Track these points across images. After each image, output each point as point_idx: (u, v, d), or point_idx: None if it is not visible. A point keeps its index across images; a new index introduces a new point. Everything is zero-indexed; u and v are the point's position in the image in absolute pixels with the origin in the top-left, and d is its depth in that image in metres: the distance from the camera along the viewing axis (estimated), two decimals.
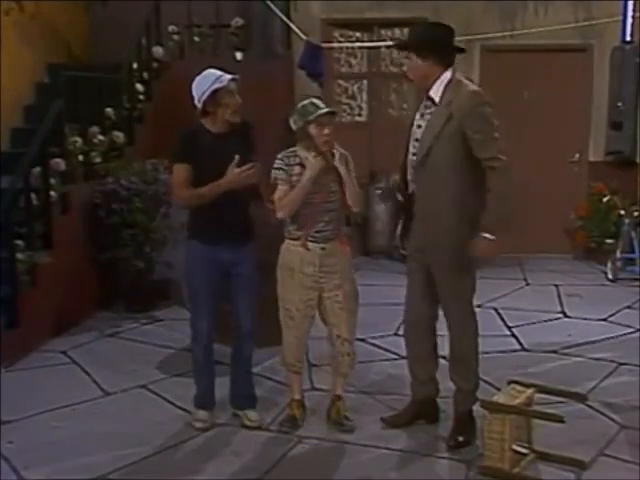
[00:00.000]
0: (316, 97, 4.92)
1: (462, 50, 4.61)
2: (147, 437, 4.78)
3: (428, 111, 4.53)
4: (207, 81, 4.59)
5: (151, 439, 4.74)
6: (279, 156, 4.75)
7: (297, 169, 4.68)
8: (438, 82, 4.46)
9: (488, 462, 4.31)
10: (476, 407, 4.65)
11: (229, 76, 4.62)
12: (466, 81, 4.56)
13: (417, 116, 4.60)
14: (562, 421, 4.23)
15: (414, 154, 4.54)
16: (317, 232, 4.69)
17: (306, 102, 4.72)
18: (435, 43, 4.46)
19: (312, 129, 4.63)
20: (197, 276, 4.73)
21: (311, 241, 4.69)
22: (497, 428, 4.26)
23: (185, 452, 4.64)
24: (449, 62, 4.50)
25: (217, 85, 4.57)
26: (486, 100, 4.44)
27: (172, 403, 5.31)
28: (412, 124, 4.61)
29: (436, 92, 4.46)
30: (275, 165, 4.73)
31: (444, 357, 4.83)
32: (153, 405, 5.32)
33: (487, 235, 4.31)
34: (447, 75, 4.47)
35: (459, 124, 4.36)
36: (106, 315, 7.32)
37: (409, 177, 4.61)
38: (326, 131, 4.63)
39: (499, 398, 4.40)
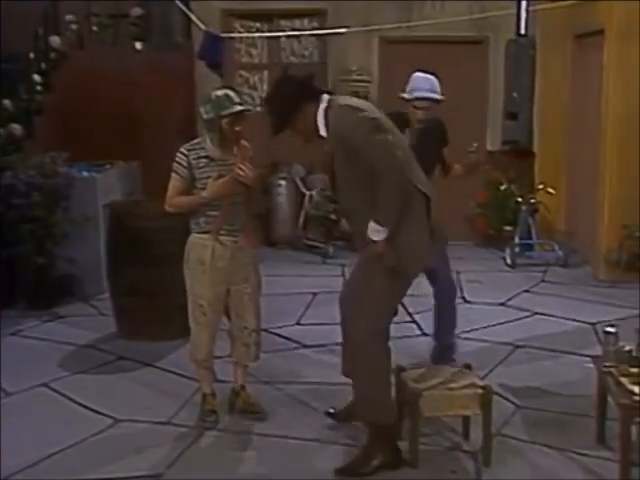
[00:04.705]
0: (230, 88, 4.85)
1: None
2: (49, 436, 4.71)
3: None
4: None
5: (53, 438, 4.67)
6: (183, 150, 4.64)
7: (203, 162, 4.60)
8: None
9: None
10: None
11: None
12: None
13: None
14: None
15: None
16: (229, 225, 4.66)
17: (220, 93, 4.58)
18: None
19: (224, 124, 4.55)
20: None
21: (223, 234, 4.66)
22: None
23: (89, 450, 4.58)
24: None
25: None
26: None
27: (74, 401, 5.24)
28: None
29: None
30: (177, 158, 4.63)
31: None
32: (55, 403, 5.24)
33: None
34: None
35: None
36: (8, 313, 7.12)
37: None
38: (238, 128, 4.59)
39: None
